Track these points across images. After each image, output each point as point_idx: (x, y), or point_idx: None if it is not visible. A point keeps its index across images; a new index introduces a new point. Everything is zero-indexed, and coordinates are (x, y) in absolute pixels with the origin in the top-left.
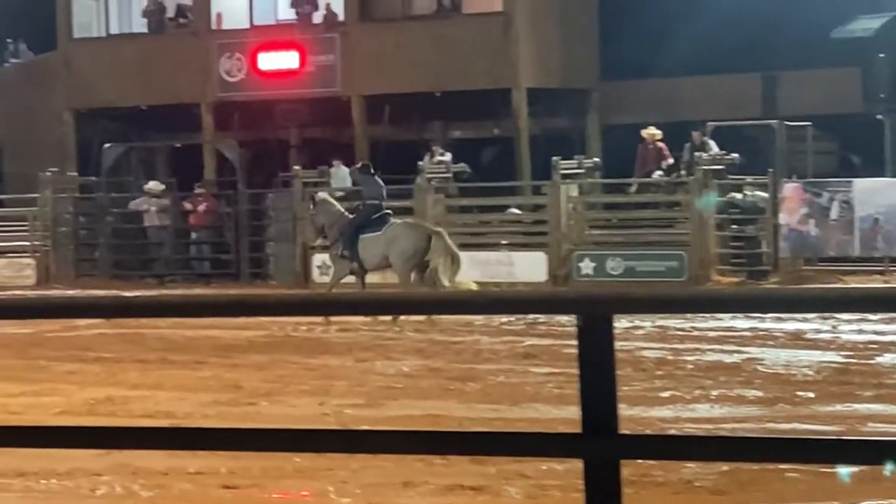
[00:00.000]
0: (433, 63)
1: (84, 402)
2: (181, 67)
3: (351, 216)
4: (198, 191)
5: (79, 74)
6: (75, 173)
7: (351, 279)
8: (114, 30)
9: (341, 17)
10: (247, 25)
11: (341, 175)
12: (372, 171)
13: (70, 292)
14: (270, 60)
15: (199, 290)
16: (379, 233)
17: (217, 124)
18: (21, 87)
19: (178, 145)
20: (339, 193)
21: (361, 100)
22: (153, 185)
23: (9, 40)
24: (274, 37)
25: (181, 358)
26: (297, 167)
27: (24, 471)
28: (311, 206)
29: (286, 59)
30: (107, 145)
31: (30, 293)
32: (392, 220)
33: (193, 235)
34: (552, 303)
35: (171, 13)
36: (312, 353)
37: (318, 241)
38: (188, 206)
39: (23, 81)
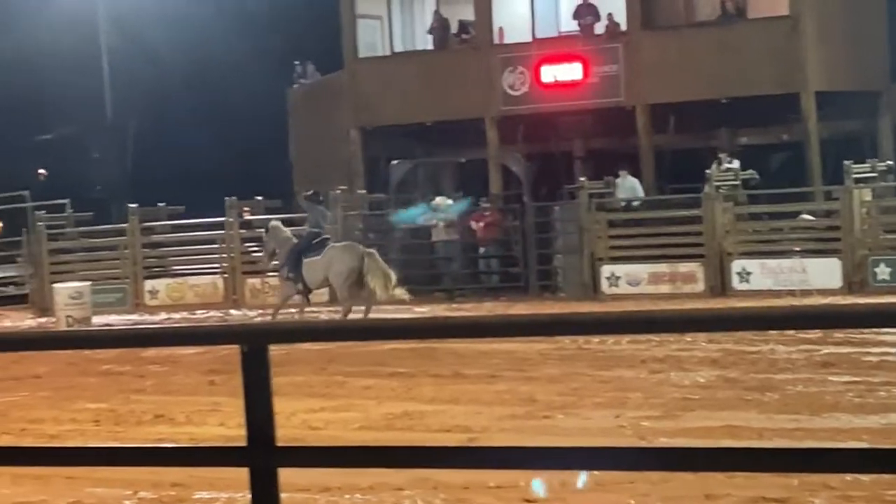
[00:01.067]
0: (718, 69)
1: (382, 416)
2: (465, 83)
3: (296, 241)
4: (484, 205)
5: (365, 93)
6: (364, 190)
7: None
8: (398, 48)
9: (623, 27)
10: (529, 39)
11: (628, 185)
12: (320, 199)
13: (361, 307)
14: (553, 73)
15: (488, 304)
16: (319, 257)
17: (502, 138)
18: (310, 107)
19: (464, 160)
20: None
21: (646, 109)
22: (441, 201)
23: (297, 62)
24: (556, 49)
25: (475, 372)
26: (582, 178)
27: (328, 486)
28: (265, 234)
29: (569, 71)
30: (394, 162)
31: (323, 309)
32: (331, 244)
33: (481, 250)
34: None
35: (453, 29)
36: (605, 366)
37: (272, 265)
38: (473, 221)
39: (311, 101)
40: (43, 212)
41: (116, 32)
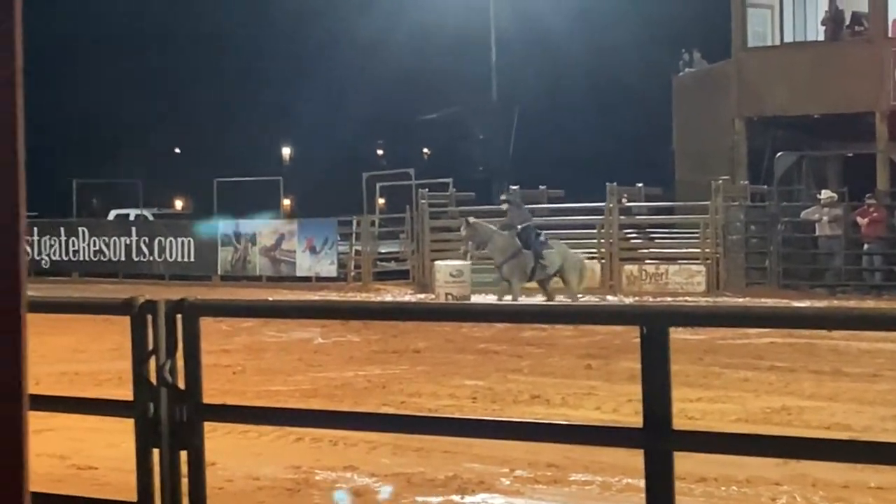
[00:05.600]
0: None
1: (759, 410)
2: (855, 75)
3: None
4: (869, 201)
5: (751, 83)
6: (746, 181)
7: None
8: (787, 38)
9: None
10: None
11: None
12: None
13: (739, 300)
14: None
15: (870, 302)
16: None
17: (891, 133)
18: (695, 95)
19: (850, 154)
20: None
21: None
22: (825, 195)
23: (683, 50)
24: None
25: (856, 370)
26: None
27: (704, 476)
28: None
29: None
30: (778, 154)
31: (700, 300)
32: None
33: (865, 246)
34: None
35: (847, 21)
36: None
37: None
38: (859, 217)
39: (697, 90)
40: (426, 190)
41: (507, 16)
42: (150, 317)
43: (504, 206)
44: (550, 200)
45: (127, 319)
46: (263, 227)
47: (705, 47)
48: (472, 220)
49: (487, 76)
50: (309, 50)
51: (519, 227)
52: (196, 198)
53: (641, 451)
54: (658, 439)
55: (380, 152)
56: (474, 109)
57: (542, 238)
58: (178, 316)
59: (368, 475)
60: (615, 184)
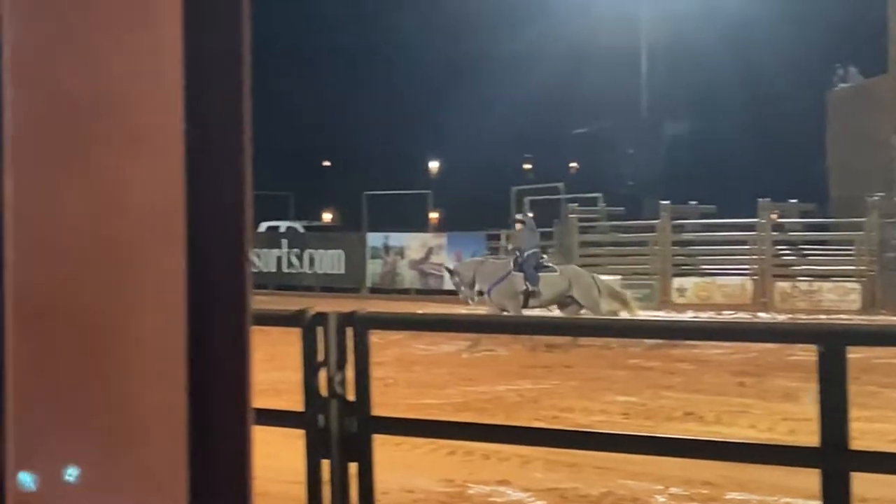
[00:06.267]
0: None
1: None
2: None
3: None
4: None
5: None
6: None
7: None
8: None
9: None
10: None
11: None
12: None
13: (895, 319)
14: None
15: None
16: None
17: None
18: (851, 110)
19: None
20: None
21: None
22: None
23: (838, 65)
24: None
25: None
26: None
27: (864, 497)
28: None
29: None
30: None
31: (855, 318)
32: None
33: None
34: None
35: None
36: None
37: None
38: None
39: (853, 105)
40: (576, 204)
41: (658, 31)
42: (320, 329)
43: (517, 227)
44: (702, 216)
45: (281, 331)
46: (412, 241)
47: (860, 62)
48: (451, 266)
49: (637, 90)
50: (458, 63)
51: (526, 252)
52: (345, 211)
53: (802, 470)
54: (836, 459)
55: (527, 166)
56: (624, 124)
57: (543, 262)
58: (348, 329)
59: (522, 490)
60: (768, 199)
